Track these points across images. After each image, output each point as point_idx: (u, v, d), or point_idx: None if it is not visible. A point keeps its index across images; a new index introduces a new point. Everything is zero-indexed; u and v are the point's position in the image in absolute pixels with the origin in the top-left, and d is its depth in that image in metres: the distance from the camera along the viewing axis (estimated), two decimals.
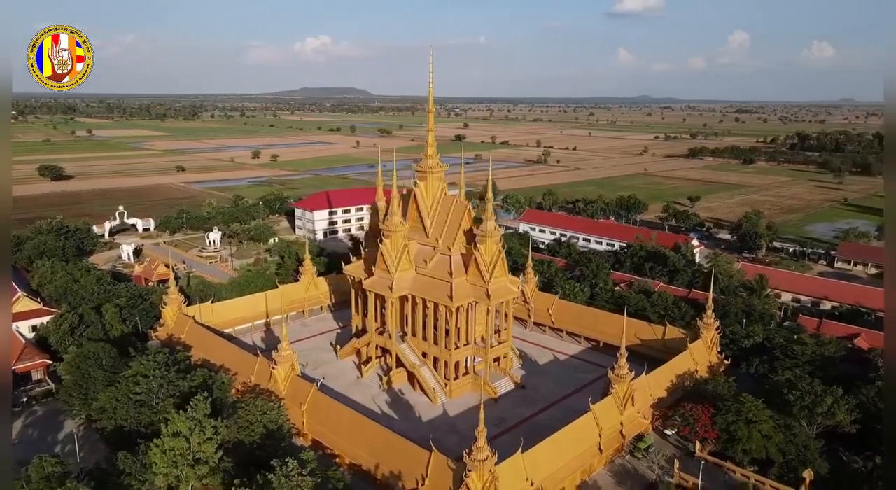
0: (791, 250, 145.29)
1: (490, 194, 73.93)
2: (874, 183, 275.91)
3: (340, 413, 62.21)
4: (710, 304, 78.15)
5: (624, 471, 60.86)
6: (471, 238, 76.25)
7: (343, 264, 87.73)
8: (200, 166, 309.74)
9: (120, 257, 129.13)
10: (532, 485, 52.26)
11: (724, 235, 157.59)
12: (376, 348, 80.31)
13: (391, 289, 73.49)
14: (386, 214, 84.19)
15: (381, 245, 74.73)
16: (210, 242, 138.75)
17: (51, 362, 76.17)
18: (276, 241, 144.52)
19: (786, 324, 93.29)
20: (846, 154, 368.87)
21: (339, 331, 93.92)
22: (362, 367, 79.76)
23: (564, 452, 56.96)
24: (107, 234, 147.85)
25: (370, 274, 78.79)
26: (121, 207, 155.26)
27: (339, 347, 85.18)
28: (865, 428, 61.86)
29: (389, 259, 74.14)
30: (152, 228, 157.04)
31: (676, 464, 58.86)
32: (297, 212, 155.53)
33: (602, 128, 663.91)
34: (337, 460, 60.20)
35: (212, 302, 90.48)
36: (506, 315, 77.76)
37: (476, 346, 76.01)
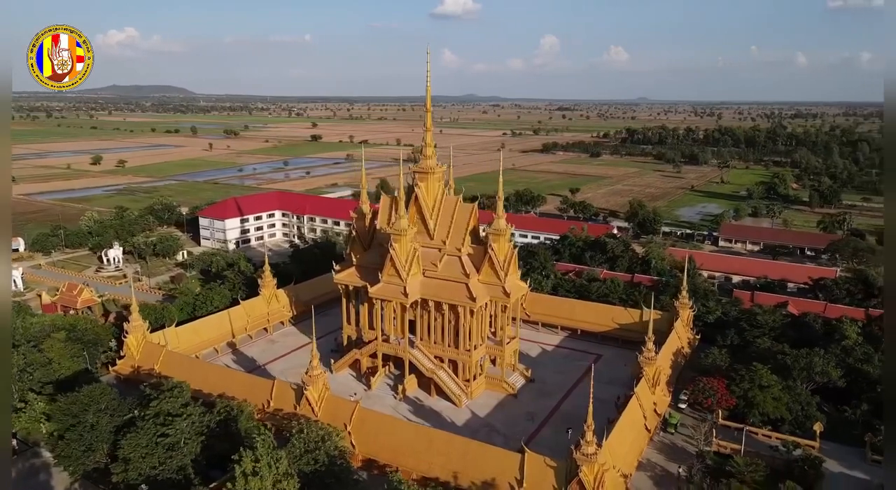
0: (679, 233, 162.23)
1: (501, 193, 74.54)
2: (703, 171, 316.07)
3: (399, 428, 59.60)
4: (685, 285, 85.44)
5: (665, 447, 64.98)
6: (475, 238, 76.34)
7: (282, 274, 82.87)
8: (32, 175, 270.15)
9: None
10: (619, 471, 54.26)
11: (619, 223, 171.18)
12: (376, 357, 77.35)
13: (405, 294, 71.15)
14: (372, 219, 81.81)
15: (390, 250, 71.91)
16: (110, 260, 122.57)
17: None
18: (185, 254, 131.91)
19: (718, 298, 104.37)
20: (669, 146, 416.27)
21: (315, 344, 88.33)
22: (370, 378, 76.33)
23: (627, 436, 59.66)
24: None
25: (368, 281, 75.62)
26: None
27: (333, 361, 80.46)
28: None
29: (400, 264, 71.68)
30: (21, 249, 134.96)
31: (714, 433, 64.17)
32: (204, 221, 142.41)
33: (447, 125, 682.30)
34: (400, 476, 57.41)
35: (175, 326, 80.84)
36: (511, 312, 78.69)
37: (487, 344, 76.28)
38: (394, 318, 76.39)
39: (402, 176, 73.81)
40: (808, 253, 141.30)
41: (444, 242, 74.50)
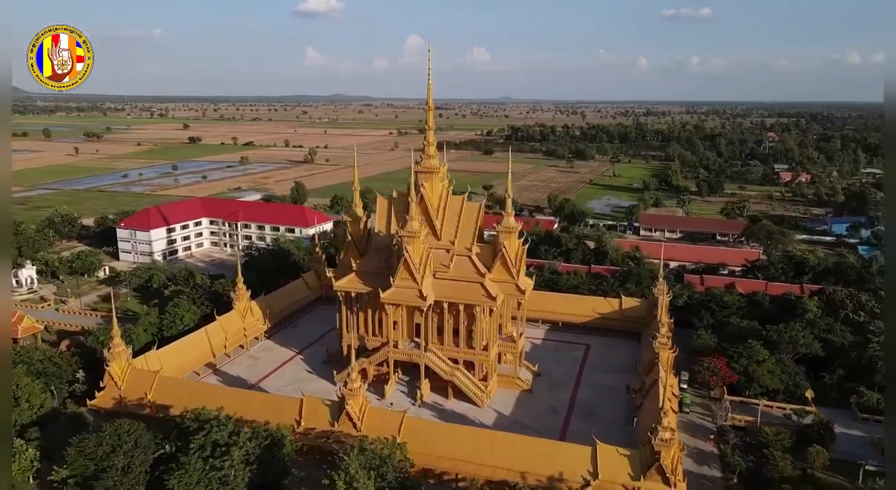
0: (602, 224, 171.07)
1: (510, 190, 74.66)
2: (593, 166, 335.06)
3: (456, 434, 57.87)
4: (662, 272, 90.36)
5: (686, 425, 68.43)
6: (479, 237, 75.96)
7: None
8: None
9: None
10: None
11: (543, 217, 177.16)
12: (381, 364, 74.71)
13: (423, 298, 69.20)
14: (365, 222, 78.96)
15: (404, 252, 69.54)
16: (24, 281, 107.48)
17: None
18: (107, 270, 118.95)
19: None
20: (553, 143, 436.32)
21: (302, 357, 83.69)
22: (379, 386, 73.37)
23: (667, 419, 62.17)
24: None
25: (373, 286, 72.61)
26: None
27: (336, 373, 76.40)
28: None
29: (414, 266, 69.59)
30: None
31: (729, 409, 68.67)
32: (123, 233, 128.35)
33: (329, 125, 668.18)
34: (461, 484, 56.05)
35: (156, 348, 72.81)
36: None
37: (499, 342, 76.16)
38: (396, 323, 73.98)
39: (412, 176, 71.68)
40: (720, 238, 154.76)
41: (452, 242, 73.36)
